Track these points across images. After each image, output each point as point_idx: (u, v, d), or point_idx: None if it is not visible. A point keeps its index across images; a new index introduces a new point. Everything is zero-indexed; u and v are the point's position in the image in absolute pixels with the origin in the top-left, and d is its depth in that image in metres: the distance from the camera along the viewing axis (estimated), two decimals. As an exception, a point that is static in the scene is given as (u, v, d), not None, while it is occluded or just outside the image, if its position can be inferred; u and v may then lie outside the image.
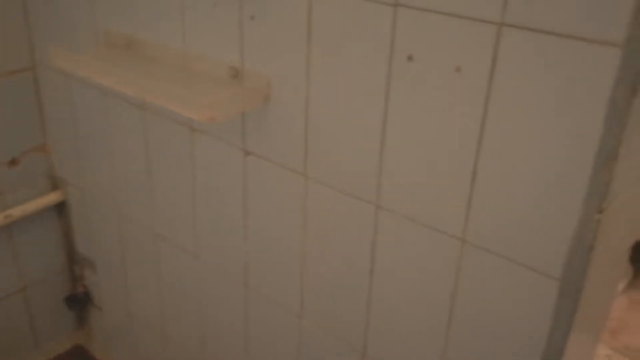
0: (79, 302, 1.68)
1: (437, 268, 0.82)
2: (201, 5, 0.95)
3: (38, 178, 1.51)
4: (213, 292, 1.22)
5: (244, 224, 1.07)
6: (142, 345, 1.53)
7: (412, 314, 0.88)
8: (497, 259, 0.75)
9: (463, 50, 0.69)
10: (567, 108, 0.63)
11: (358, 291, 0.94)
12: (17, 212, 1.47)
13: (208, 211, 1.14)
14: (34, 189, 1.51)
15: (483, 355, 0.82)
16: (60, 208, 1.58)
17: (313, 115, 0.87)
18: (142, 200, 1.28)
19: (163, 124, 1.14)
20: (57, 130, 1.45)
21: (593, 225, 0.66)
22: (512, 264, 0.74)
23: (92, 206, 1.46)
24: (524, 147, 0.68)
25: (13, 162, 1.45)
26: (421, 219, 0.81)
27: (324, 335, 1.02)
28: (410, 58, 0.74)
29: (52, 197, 1.53)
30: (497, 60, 0.67)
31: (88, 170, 1.42)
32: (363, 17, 0.76)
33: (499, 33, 0.66)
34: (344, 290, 0.96)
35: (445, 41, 0.70)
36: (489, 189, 0.73)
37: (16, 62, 1.37)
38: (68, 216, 1.57)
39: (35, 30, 1.35)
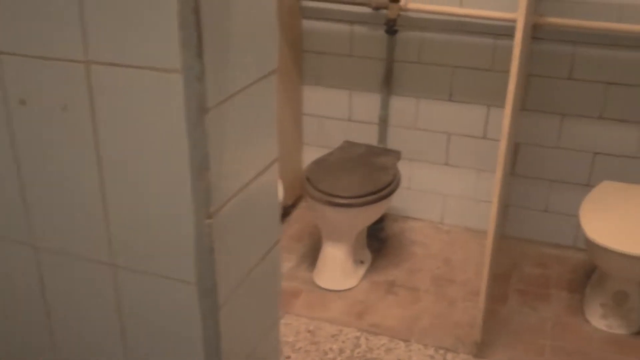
0: None
1: (99, 297, 0.85)
2: None
3: None
4: None
5: None
6: None
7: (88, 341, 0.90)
8: (142, 276, 0.81)
9: (66, 90, 0.73)
10: (158, 128, 0.71)
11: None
12: None
13: None
14: None
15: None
16: None
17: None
18: None
19: None
20: None
21: (207, 230, 0.74)
22: (155, 277, 0.80)
23: None
24: (138, 167, 0.74)
25: None
26: (72, 250, 0.84)
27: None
28: (22, 102, 0.76)
29: None
30: (93, 94, 0.72)
31: None
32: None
33: (87, 70, 0.71)
34: None
35: (50, 82, 0.74)
36: (119, 211, 0.78)
37: None
38: None
39: None
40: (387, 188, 2.35)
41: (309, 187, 2.34)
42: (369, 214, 2.38)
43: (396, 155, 2.59)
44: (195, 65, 0.66)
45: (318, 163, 2.50)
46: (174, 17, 0.64)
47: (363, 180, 2.36)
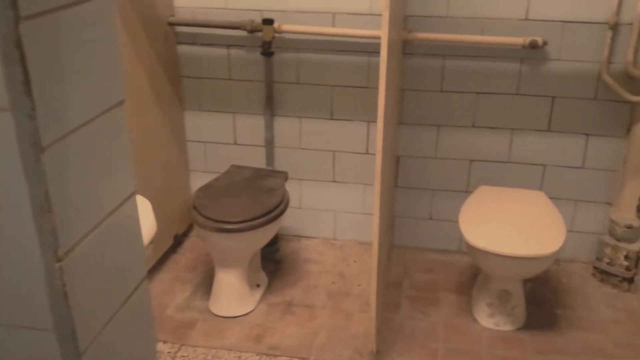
0: None
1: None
2: None
3: None
4: None
5: None
6: None
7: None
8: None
9: None
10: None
11: None
12: None
13: None
14: None
15: None
16: None
17: None
18: None
19: None
20: None
21: (58, 274, 0.70)
22: (13, 328, 0.75)
23: None
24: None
25: None
26: None
27: None
28: None
29: None
30: None
31: None
32: None
33: None
34: None
35: None
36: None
37: None
38: None
39: None
40: (276, 209, 2.35)
41: (196, 215, 2.29)
42: (260, 237, 2.37)
43: (283, 176, 2.59)
44: (24, 102, 0.62)
45: (205, 190, 2.46)
46: (-4, 53, 0.60)
47: (251, 203, 2.35)
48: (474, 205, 2.34)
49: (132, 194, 0.84)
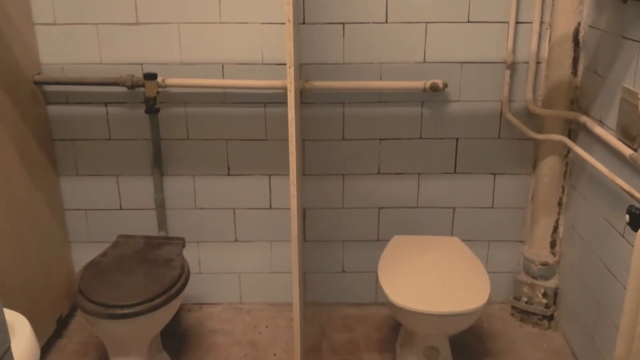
0: None
1: None
2: None
3: None
4: None
5: None
6: None
7: None
8: None
9: None
10: None
11: None
12: None
13: None
14: None
15: None
16: None
17: None
18: None
19: None
20: None
21: None
22: None
23: None
24: None
25: None
26: None
27: None
28: None
29: None
30: None
31: None
32: None
33: None
34: None
35: None
36: None
37: None
38: None
39: None
40: (176, 285, 2.09)
41: (82, 300, 1.98)
42: (160, 319, 2.09)
43: (179, 242, 2.34)
44: None
45: (90, 268, 2.15)
46: None
47: (146, 281, 2.07)
48: (391, 259, 2.21)
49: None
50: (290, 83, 1.65)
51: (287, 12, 1.59)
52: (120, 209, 2.54)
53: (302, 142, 2.42)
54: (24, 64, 2.25)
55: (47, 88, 2.37)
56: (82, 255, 2.56)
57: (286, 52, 1.62)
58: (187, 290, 2.59)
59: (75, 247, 2.60)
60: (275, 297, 2.64)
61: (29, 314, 1.60)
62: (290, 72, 1.63)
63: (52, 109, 2.41)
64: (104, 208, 2.54)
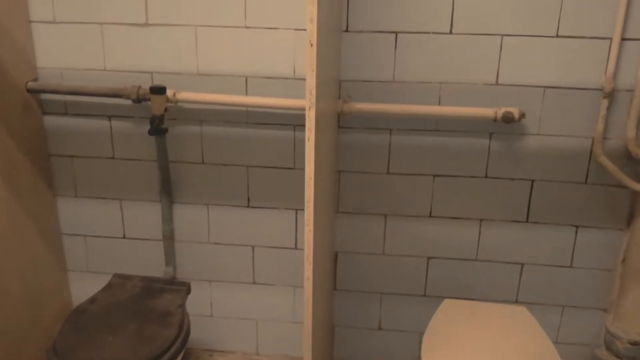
0: None
1: None
2: None
3: None
4: None
5: None
6: None
7: None
8: None
9: None
10: None
11: None
12: None
13: None
14: None
15: None
16: None
17: None
18: None
19: None
20: None
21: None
22: None
23: None
24: None
25: None
26: None
27: None
28: None
29: None
30: None
31: None
32: None
33: None
34: None
35: None
36: None
37: None
38: None
39: None
40: (170, 349, 1.71)
41: (56, 361, 1.63)
42: (148, 389, 1.71)
43: (184, 289, 1.95)
44: None
45: (73, 319, 1.79)
46: None
47: (135, 342, 1.69)
48: (440, 333, 1.76)
49: None
50: (310, 94, 1.23)
51: (309, 12, 1.18)
52: (124, 237, 2.17)
53: (337, 173, 1.99)
54: (16, 68, 1.89)
55: (44, 96, 2.02)
56: (80, 286, 2.23)
57: (306, 62, 1.21)
58: (196, 333, 2.23)
59: (72, 276, 2.26)
60: (296, 350, 2.24)
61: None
62: (311, 81, 1.21)
63: (49, 120, 2.06)
64: (106, 235, 2.18)
